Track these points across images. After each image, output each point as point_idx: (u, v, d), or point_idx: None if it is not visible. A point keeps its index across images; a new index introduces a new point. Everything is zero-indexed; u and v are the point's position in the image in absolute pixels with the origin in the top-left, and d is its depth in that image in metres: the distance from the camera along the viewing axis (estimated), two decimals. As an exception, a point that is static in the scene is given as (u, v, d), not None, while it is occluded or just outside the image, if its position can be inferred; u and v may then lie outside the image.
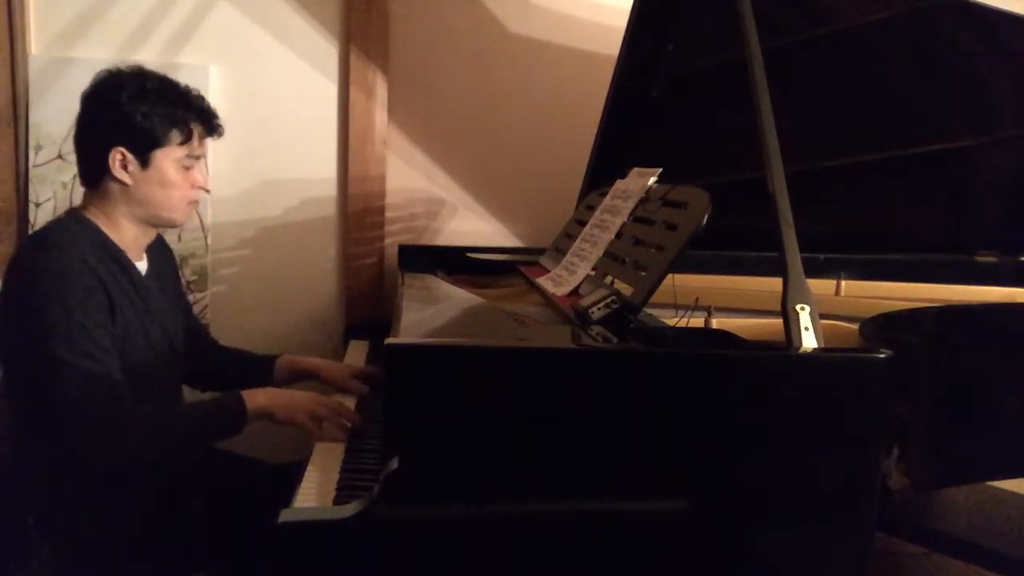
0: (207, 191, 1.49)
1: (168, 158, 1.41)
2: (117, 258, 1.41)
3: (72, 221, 1.41)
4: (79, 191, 2.16)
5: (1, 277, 1.39)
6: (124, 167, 1.39)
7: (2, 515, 1.52)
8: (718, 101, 1.84)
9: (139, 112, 1.37)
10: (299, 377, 1.73)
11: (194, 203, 1.48)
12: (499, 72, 2.39)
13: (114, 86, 1.39)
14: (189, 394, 1.71)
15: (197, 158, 1.46)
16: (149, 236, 1.49)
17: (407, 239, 2.38)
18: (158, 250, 1.56)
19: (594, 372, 1.09)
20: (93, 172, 1.42)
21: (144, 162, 1.39)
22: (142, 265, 1.48)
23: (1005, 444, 1.53)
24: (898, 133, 1.92)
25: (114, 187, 1.41)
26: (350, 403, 1.60)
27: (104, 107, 1.39)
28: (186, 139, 1.42)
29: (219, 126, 1.49)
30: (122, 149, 1.38)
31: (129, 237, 1.44)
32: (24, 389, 1.32)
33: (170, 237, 1.72)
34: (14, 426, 1.43)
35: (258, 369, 1.72)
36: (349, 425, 1.38)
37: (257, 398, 1.37)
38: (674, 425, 1.10)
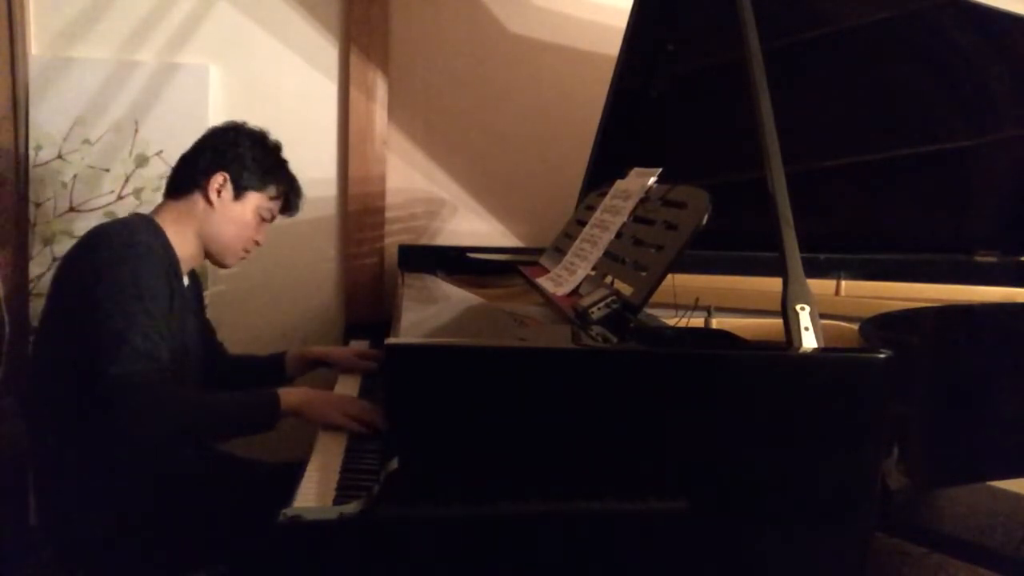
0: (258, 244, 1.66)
1: (256, 202, 1.57)
2: (174, 264, 1.49)
3: (141, 221, 1.49)
4: (79, 191, 2.19)
5: (3, 276, 1.40)
6: (219, 191, 1.53)
7: (4, 514, 1.52)
8: (718, 101, 1.84)
9: (253, 156, 1.56)
10: (310, 367, 1.81)
11: (247, 254, 1.62)
12: (499, 72, 2.39)
13: (242, 131, 1.59)
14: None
15: (271, 219, 1.62)
16: (197, 261, 1.59)
17: (407, 239, 2.38)
18: (193, 278, 1.65)
19: (594, 372, 1.09)
20: (188, 183, 1.55)
21: (238, 195, 1.55)
22: (185, 280, 1.56)
23: (1005, 444, 1.53)
24: (898, 133, 1.92)
25: (200, 203, 1.54)
26: (353, 391, 1.61)
27: (227, 140, 1.57)
28: (276, 196, 1.60)
29: (298, 208, 1.67)
30: (226, 174, 1.54)
31: (187, 252, 1.54)
32: (74, 362, 1.34)
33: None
34: (28, 422, 1.47)
35: (270, 368, 1.80)
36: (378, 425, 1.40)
37: (291, 396, 1.40)
38: (674, 425, 1.10)
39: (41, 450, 1.46)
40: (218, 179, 1.53)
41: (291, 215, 1.67)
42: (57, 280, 1.46)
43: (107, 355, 1.27)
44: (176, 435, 1.34)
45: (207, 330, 1.76)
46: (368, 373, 1.77)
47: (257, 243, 1.62)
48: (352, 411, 1.40)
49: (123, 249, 1.38)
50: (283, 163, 1.63)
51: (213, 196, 1.53)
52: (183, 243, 1.53)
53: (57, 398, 1.39)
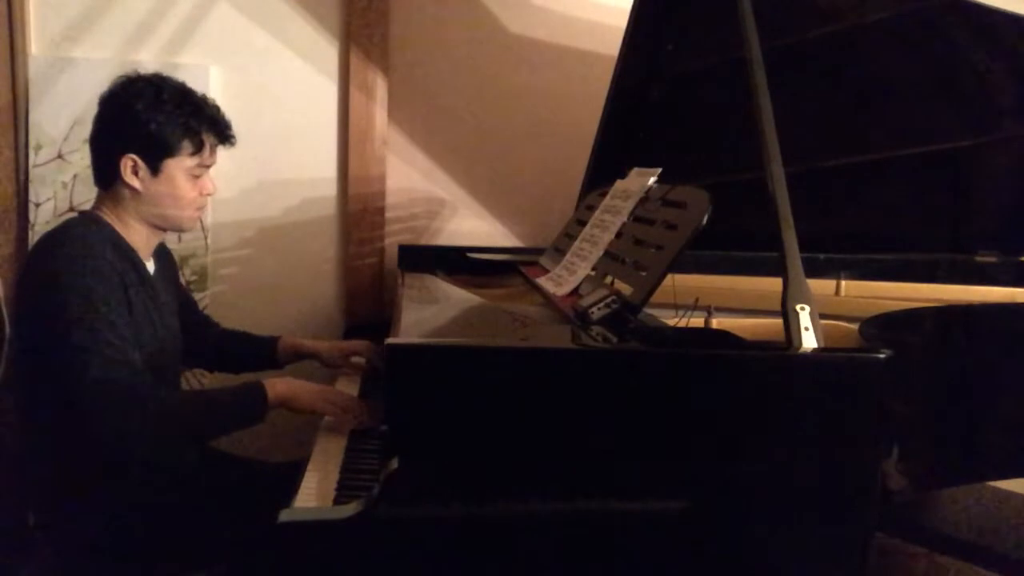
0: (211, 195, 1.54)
1: (179, 167, 1.44)
2: (130, 257, 1.44)
3: (88, 221, 1.44)
4: (79, 191, 2.19)
5: (3, 276, 1.40)
6: (135, 173, 1.42)
7: (3, 514, 1.52)
8: (718, 101, 1.84)
9: (153, 121, 1.40)
10: (300, 358, 1.80)
11: (202, 209, 1.52)
12: (499, 72, 2.38)
13: (131, 93, 1.42)
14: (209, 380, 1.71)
15: (207, 167, 1.49)
16: (158, 238, 1.53)
17: (407, 239, 2.38)
18: (161, 253, 1.60)
19: (594, 372, 1.09)
20: (105, 175, 1.45)
21: (155, 170, 1.43)
22: (150, 265, 1.52)
23: (1005, 444, 1.53)
24: (898, 133, 1.91)
25: (125, 191, 1.44)
26: (353, 391, 1.61)
27: (119, 113, 1.42)
28: (197, 150, 1.45)
29: (232, 137, 1.51)
30: (134, 156, 1.41)
31: (139, 238, 1.47)
32: (47, 382, 1.33)
33: (170, 238, 1.73)
34: (22, 426, 1.46)
35: (262, 349, 1.78)
36: (364, 416, 1.41)
37: (277, 387, 1.38)
38: (674, 425, 1.10)
39: (36, 451, 1.45)
40: (128, 164, 1.40)
41: (230, 145, 1.52)
42: (18, 294, 1.41)
43: (76, 371, 1.24)
44: (163, 437, 1.31)
45: (187, 305, 1.72)
46: (368, 374, 1.77)
47: (208, 194, 1.50)
48: (339, 401, 1.41)
49: (62, 264, 1.32)
50: (189, 110, 1.43)
51: (133, 182, 1.41)
52: (132, 232, 1.45)
53: (42, 405, 1.38)
